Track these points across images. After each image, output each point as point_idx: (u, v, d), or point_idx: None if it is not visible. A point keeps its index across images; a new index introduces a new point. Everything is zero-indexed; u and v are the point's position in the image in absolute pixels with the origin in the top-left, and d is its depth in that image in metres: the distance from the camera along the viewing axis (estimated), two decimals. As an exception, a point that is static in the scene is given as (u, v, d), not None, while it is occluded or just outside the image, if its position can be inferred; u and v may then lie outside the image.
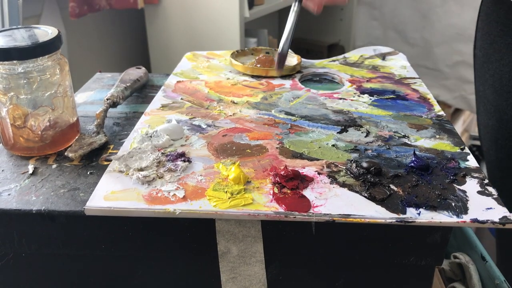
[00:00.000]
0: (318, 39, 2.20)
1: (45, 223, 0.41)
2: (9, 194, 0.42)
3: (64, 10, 1.37)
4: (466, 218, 0.38)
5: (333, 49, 2.17)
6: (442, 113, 0.55)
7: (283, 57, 0.62)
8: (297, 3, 0.62)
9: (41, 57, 0.45)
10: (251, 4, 1.53)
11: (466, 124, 2.25)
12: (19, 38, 0.46)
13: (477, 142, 2.16)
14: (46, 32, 0.47)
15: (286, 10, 2.02)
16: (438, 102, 0.59)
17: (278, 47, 0.63)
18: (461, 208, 0.39)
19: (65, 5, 1.36)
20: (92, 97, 0.63)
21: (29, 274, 0.45)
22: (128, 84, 0.60)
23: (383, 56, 0.74)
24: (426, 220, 0.38)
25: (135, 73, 0.65)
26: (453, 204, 0.39)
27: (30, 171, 0.45)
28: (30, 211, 0.40)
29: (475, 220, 0.37)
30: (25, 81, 0.45)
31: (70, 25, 1.41)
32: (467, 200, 0.40)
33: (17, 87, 0.45)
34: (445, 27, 1.93)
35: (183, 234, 0.41)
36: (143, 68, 0.67)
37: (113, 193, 0.41)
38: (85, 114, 0.58)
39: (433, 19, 1.96)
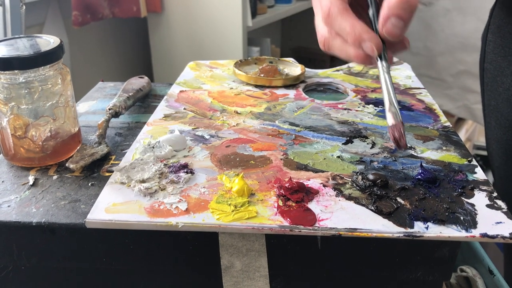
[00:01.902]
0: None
1: (45, 235, 0.40)
2: (9, 206, 0.41)
3: (67, 19, 1.38)
4: (476, 232, 0.37)
5: (336, 58, 2.17)
6: (448, 124, 0.55)
7: (397, 129, 0.42)
8: (383, 62, 0.43)
9: (42, 67, 0.44)
10: (254, 13, 1.53)
11: (469, 133, 2.24)
12: (20, 47, 0.45)
13: (481, 152, 2.16)
14: (48, 41, 0.46)
15: (289, 19, 2.03)
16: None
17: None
18: (470, 222, 0.38)
19: (68, 13, 1.36)
20: (94, 107, 0.63)
21: (28, 288, 0.44)
22: (130, 94, 0.59)
23: (387, 66, 0.73)
24: (434, 235, 0.37)
25: (138, 82, 0.64)
26: (461, 218, 0.38)
27: (31, 182, 0.45)
28: (30, 223, 0.39)
29: (484, 235, 0.37)
30: (26, 91, 0.44)
31: (73, 33, 1.41)
32: (476, 214, 0.39)
33: (18, 97, 0.44)
34: (448, 37, 1.93)
35: (185, 247, 0.40)
36: (146, 78, 0.67)
37: (115, 205, 0.40)
38: (87, 124, 0.57)
39: (436, 28, 1.96)
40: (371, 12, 0.44)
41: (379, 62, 0.43)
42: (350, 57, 0.44)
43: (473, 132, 2.28)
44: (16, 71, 0.43)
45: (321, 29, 0.46)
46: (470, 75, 1.92)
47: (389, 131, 0.42)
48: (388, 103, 0.42)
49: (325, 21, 0.44)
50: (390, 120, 0.42)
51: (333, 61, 2.18)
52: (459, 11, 1.87)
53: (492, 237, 0.36)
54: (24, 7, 0.81)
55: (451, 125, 0.54)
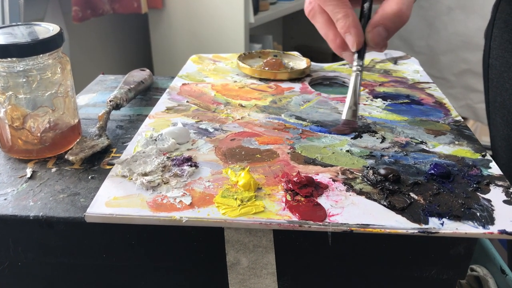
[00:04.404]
0: (323, 46, 2.18)
1: (43, 230, 0.38)
2: (5, 199, 0.39)
3: (67, 14, 1.36)
4: (493, 229, 0.35)
5: (338, 56, 2.16)
6: (459, 118, 0.53)
7: (350, 125, 0.49)
8: (360, 60, 0.48)
9: (41, 55, 0.42)
10: (256, 10, 1.51)
11: (471, 133, 2.23)
12: (19, 35, 0.43)
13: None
14: (47, 29, 0.45)
15: (291, 16, 2.02)
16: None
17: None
18: (487, 218, 0.36)
19: (68, 9, 1.34)
20: (95, 99, 0.61)
21: (26, 284, 0.42)
22: (132, 86, 0.58)
23: (394, 60, 0.72)
24: (450, 231, 0.35)
25: (139, 75, 0.62)
26: (478, 214, 0.37)
27: (28, 175, 0.43)
28: (27, 217, 0.38)
29: (503, 232, 0.35)
30: (24, 80, 0.43)
31: (73, 29, 1.40)
32: (493, 210, 0.37)
33: (16, 86, 0.43)
34: (451, 35, 1.92)
35: (189, 243, 0.38)
36: (148, 70, 0.65)
37: (116, 199, 0.38)
38: (87, 116, 0.55)
39: (439, 27, 1.94)
40: (365, 5, 0.47)
41: (355, 59, 0.47)
42: (327, 39, 0.48)
43: (475, 132, 2.27)
44: (14, 59, 0.41)
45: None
46: (473, 74, 1.90)
47: (341, 123, 0.49)
48: (351, 100, 0.47)
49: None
50: (347, 115, 0.48)
51: (335, 60, 2.17)
52: (462, 9, 1.86)
53: (511, 234, 0.35)
54: (23, -2, 0.79)
55: (462, 120, 0.53)
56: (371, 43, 0.46)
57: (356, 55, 0.47)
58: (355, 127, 0.48)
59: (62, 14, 1.34)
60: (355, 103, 0.47)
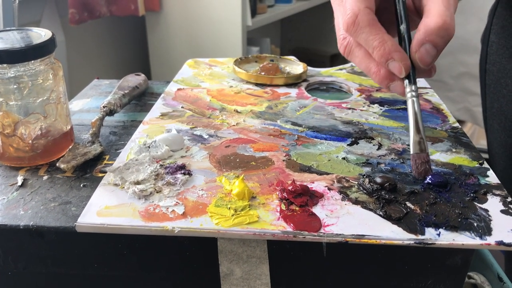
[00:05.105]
0: (321, 48, 2.18)
1: (33, 239, 0.37)
2: (-5, 208, 0.39)
3: (64, 17, 1.35)
4: (491, 240, 0.35)
5: (336, 59, 2.16)
6: (457, 125, 0.53)
7: (421, 159, 0.41)
8: (412, 85, 0.41)
9: (32, 61, 0.42)
10: (253, 13, 1.51)
11: (469, 136, 2.22)
12: (10, 40, 0.43)
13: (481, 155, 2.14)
14: (39, 34, 0.44)
15: (289, 19, 2.01)
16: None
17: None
18: (484, 228, 0.36)
19: (65, 11, 1.33)
20: (89, 105, 0.60)
21: (16, 294, 0.42)
22: (126, 91, 0.57)
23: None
24: (447, 242, 0.35)
25: (134, 80, 0.62)
26: (475, 224, 0.36)
27: (19, 183, 0.42)
28: (17, 226, 0.37)
29: (500, 243, 0.34)
30: (15, 86, 0.42)
31: (70, 31, 1.39)
32: (490, 220, 0.37)
33: (7, 93, 0.42)
34: (449, 38, 1.91)
35: (182, 253, 0.38)
36: (143, 75, 0.64)
37: (107, 208, 0.38)
38: (80, 122, 0.55)
39: (437, 29, 1.94)
40: (402, 27, 0.42)
41: (407, 85, 0.41)
42: (369, 73, 0.42)
43: (472, 135, 2.27)
44: (4, 65, 0.41)
45: (344, 33, 0.43)
46: (471, 77, 1.90)
47: (412, 160, 0.41)
48: (414, 131, 0.41)
49: (348, 29, 0.40)
50: (414, 148, 0.41)
51: (333, 62, 2.17)
52: (460, 11, 1.85)
53: (509, 245, 0.34)
54: (17, 1, 0.79)
55: (460, 126, 0.52)
56: (421, 64, 0.40)
57: (406, 82, 0.41)
58: (428, 159, 0.41)
59: (59, 17, 1.34)
60: (418, 133, 0.41)
